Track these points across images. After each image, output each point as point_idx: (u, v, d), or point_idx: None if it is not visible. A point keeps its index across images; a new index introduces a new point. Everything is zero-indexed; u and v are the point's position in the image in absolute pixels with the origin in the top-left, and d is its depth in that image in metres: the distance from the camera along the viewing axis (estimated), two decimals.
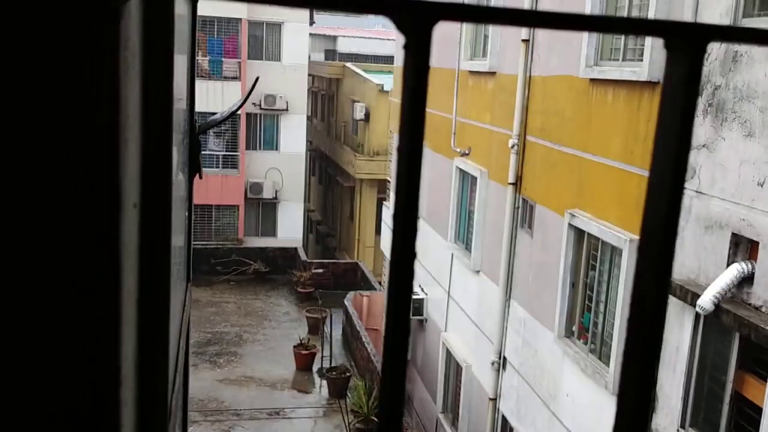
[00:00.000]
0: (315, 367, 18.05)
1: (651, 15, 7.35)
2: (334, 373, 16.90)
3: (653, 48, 7.33)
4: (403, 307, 0.38)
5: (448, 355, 13.37)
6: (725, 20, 6.39)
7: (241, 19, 25.40)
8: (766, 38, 0.37)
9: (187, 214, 1.82)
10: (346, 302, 19.63)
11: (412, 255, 0.37)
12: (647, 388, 0.40)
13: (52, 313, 0.46)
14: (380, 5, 0.30)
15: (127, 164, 0.46)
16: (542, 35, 10.05)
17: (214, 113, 23.91)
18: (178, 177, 1.38)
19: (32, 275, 0.46)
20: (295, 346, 18.21)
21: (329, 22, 45.82)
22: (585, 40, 8.67)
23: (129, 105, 0.46)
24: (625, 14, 8.16)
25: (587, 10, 8.61)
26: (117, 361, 0.49)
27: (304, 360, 17.97)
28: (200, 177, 2.04)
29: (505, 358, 11.03)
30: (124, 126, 0.43)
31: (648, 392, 0.40)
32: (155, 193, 0.70)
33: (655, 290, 0.39)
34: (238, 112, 25.31)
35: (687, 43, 0.33)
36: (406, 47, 0.32)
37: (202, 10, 24.77)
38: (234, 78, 25.37)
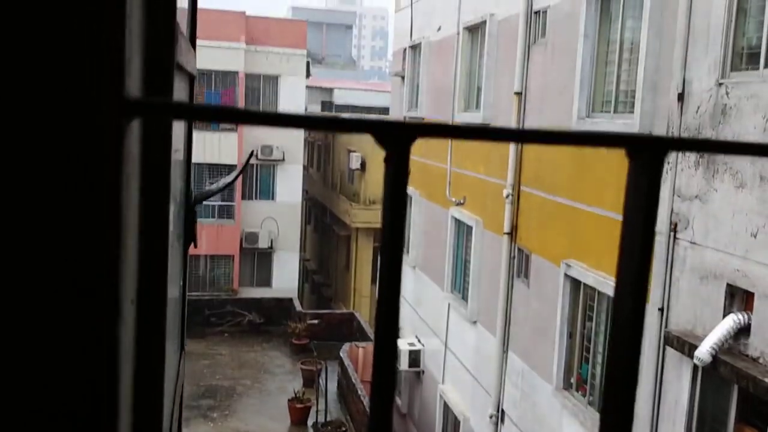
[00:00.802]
0: (310, 422, 17.74)
1: (641, 70, 7.49)
2: (329, 427, 16.62)
3: (644, 100, 7.45)
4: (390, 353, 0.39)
5: (446, 408, 13.19)
6: (713, 74, 6.51)
7: (238, 72, 25.80)
8: (724, 148, 0.39)
9: (181, 283, 1.83)
10: (341, 354, 19.43)
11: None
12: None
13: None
14: (365, 126, 0.32)
15: (126, 265, 0.48)
16: (535, 88, 10.22)
17: (211, 164, 23.89)
18: (173, 246, 1.40)
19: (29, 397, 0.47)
20: (289, 400, 17.94)
21: (326, 74, 46.54)
22: (576, 92, 8.82)
23: (128, 213, 0.48)
24: (615, 70, 8.32)
25: (578, 68, 8.78)
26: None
27: (298, 414, 17.68)
28: (195, 246, 2.06)
29: (503, 411, 10.89)
30: (125, 241, 0.46)
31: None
32: (151, 288, 0.72)
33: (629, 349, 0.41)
34: (228, 161, 25.48)
35: (647, 153, 0.35)
36: (386, 160, 0.34)
37: (200, 63, 25.09)
38: (231, 130, 25.61)
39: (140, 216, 0.62)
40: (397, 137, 0.32)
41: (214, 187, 3.39)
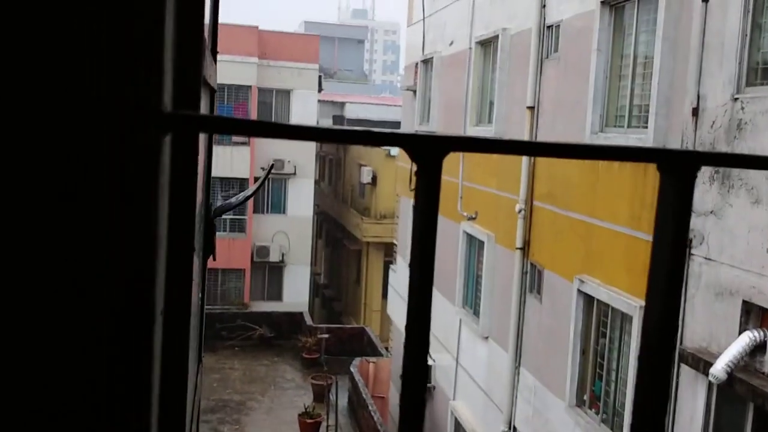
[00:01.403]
0: None
1: (654, 84, 7.47)
2: None
3: (658, 115, 7.42)
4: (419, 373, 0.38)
5: (457, 424, 13.08)
6: (728, 89, 6.48)
7: (251, 86, 25.95)
8: (755, 163, 0.38)
9: (200, 295, 1.82)
10: (352, 369, 19.36)
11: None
12: None
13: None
14: (398, 139, 0.31)
15: (158, 277, 0.49)
16: (548, 102, 10.21)
17: (223, 178, 24.02)
18: (194, 262, 1.39)
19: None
20: (299, 415, 17.87)
21: (337, 89, 46.75)
22: (590, 107, 8.79)
23: (161, 224, 0.48)
24: (628, 84, 8.30)
25: (591, 82, 8.76)
26: None
27: (309, 429, 17.60)
28: (214, 259, 2.05)
29: (515, 428, 10.78)
30: (158, 247, 0.46)
31: None
32: (178, 301, 0.72)
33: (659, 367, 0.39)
34: (240, 174, 25.58)
35: (679, 168, 0.34)
36: (417, 173, 0.33)
37: None
38: (243, 144, 25.74)
39: (168, 228, 0.62)
40: (429, 151, 0.31)
41: (233, 200, 3.40)
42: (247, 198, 3.56)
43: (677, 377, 6.92)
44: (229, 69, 25.14)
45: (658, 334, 0.41)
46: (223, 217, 26.41)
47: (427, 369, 0.37)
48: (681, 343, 6.89)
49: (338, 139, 0.30)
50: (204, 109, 1.53)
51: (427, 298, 0.34)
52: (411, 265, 0.35)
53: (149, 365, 0.47)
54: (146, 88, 0.44)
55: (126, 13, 0.42)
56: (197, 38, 0.83)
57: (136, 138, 0.42)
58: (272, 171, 26.52)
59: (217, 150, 24.64)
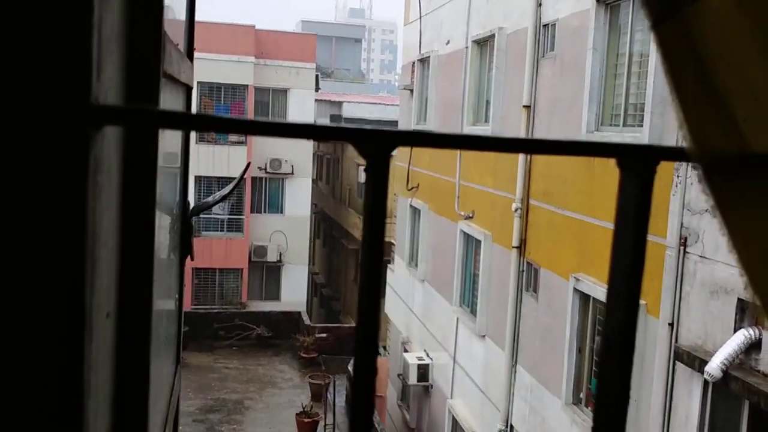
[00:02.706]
0: None
1: (650, 83, 7.47)
2: None
3: (653, 113, 7.43)
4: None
5: (454, 422, 13.09)
6: None
7: (247, 85, 25.93)
8: None
9: (177, 295, 1.82)
10: (349, 368, 19.35)
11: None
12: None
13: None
14: (343, 134, 0.31)
15: (98, 275, 0.47)
16: (544, 101, 10.22)
17: (220, 177, 23.98)
18: (170, 258, 1.39)
19: None
20: (297, 414, 17.87)
21: (335, 88, 46.74)
22: (586, 105, 8.80)
23: (101, 223, 0.47)
24: (624, 83, 8.30)
25: (586, 81, 8.77)
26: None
27: (306, 428, 17.61)
28: (192, 259, 2.04)
29: (512, 426, 10.79)
30: (92, 242, 0.44)
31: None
32: (134, 300, 0.71)
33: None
34: (237, 173, 25.57)
35: (638, 163, 0.34)
36: (366, 170, 0.33)
37: (209, 76, 25.35)
38: (240, 143, 25.72)
39: (121, 227, 0.61)
40: (375, 145, 0.31)
41: (210, 199, 3.40)
42: (224, 197, 3.56)
43: (672, 375, 6.93)
44: (225, 68, 25.12)
45: (618, 338, 0.41)
46: (221, 217, 26.39)
47: (376, 353, 0.37)
48: (676, 341, 6.90)
49: (278, 132, 0.30)
50: (178, 106, 1.53)
51: (376, 287, 0.35)
52: (361, 257, 0.35)
53: (80, 369, 0.46)
54: (70, 77, 0.42)
55: (48, 4, 0.41)
56: (154, 33, 0.83)
57: (60, 132, 0.41)
58: (269, 171, 26.50)
59: (214, 150, 24.72)
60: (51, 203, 0.42)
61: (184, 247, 1.77)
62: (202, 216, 25.64)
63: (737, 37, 0.32)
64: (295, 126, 0.30)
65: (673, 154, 0.38)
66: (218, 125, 0.31)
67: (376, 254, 0.33)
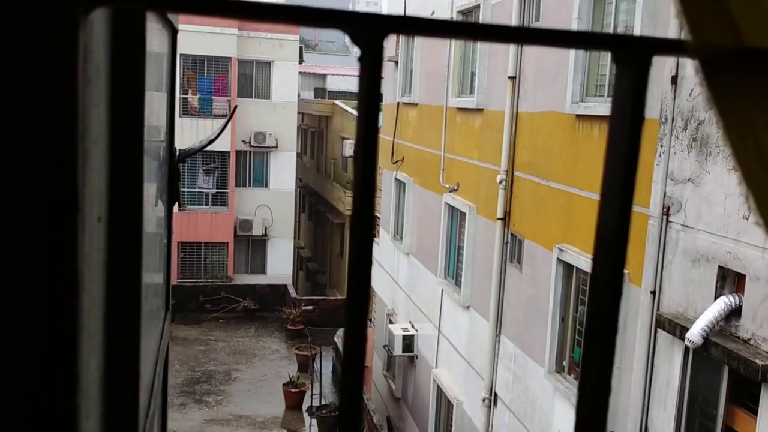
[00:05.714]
0: (305, 406, 17.82)
1: (638, 21, 7.45)
2: (324, 411, 16.69)
3: None
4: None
5: (439, 391, 13.25)
6: None
7: (231, 57, 25.65)
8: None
9: (166, 241, 1.82)
10: (336, 339, 19.49)
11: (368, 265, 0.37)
12: (605, 397, 0.40)
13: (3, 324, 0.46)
14: (334, 19, 0.31)
15: (89, 176, 0.47)
16: (529, 72, 10.20)
17: (205, 151, 23.60)
18: (157, 203, 1.39)
19: None
20: (284, 384, 18.00)
21: (319, 60, 46.33)
22: (570, 76, 8.80)
23: (90, 116, 0.46)
24: (611, 22, 8.28)
25: (571, 51, 8.75)
26: (75, 369, 0.49)
27: (293, 398, 17.75)
28: (180, 206, 2.04)
29: (495, 395, 10.94)
30: (82, 136, 0.44)
31: (606, 400, 0.40)
32: (124, 207, 0.70)
33: (608, 298, 0.40)
34: (222, 147, 25.38)
35: (633, 55, 0.34)
36: (360, 59, 0.33)
37: (192, 48, 25.03)
38: (224, 116, 25.49)
39: (110, 124, 0.60)
40: (369, 31, 0.31)
41: (196, 144, 3.39)
42: (210, 141, 3.56)
43: (654, 343, 7.03)
44: (208, 40, 24.80)
45: (609, 256, 0.41)
46: (206, 191, 26.26)
47: (368, 304, 0.38)
48: (658, 309, 7.00)
49: (265, 16, 0.30)
50: (163, 49, 1.51)
51: (371, 200, 0.35)
52: (354, 157, 0.36)
53: (74, 271, 0.46)
54: None
55: None
56: None
57: (49, 13, 0.40)
58: (254, 144, 26.33)
59: (198, 123, 24.49)
60: (40, 84, 0.41)
61: (172, 192, 1.76)
62: (187, 190, 25.48)
63: None
64: (284, 9, 0.30)
65: (670, 46, 0.38)
66: (204, 4, 0.31)
67: (369, 149, 0.33)
